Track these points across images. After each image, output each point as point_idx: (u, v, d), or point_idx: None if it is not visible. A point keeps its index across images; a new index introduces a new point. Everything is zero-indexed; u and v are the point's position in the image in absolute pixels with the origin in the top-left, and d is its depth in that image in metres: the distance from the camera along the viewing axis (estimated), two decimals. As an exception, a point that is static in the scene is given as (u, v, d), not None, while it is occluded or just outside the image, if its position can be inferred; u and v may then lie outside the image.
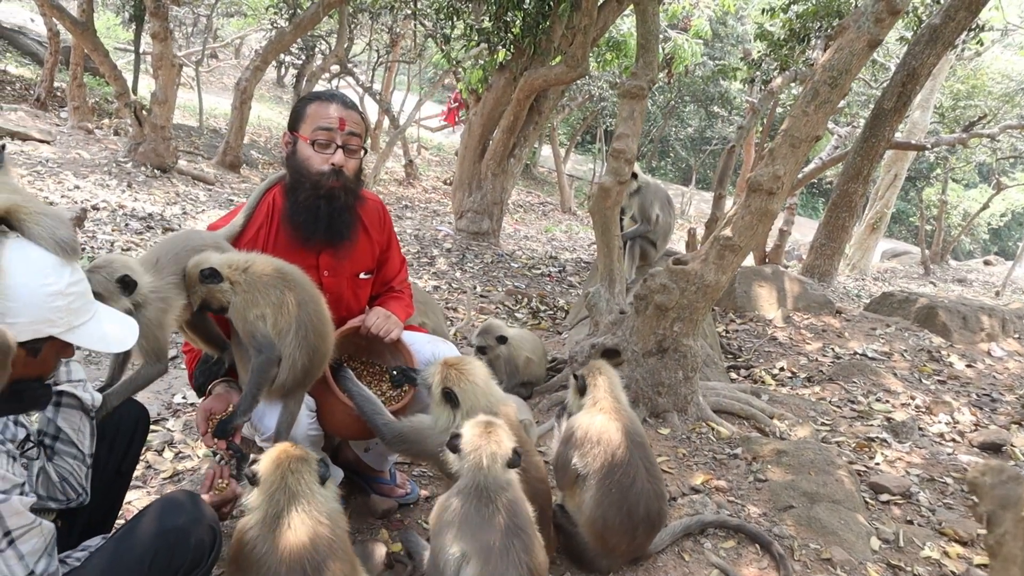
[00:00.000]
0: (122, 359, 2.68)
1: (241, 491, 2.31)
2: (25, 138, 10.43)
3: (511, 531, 2.20)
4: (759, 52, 10.64)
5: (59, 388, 2.18)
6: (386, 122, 18.79)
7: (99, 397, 2.28)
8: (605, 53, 12.69)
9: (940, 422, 4.90)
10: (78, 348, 1.99)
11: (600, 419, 2.88)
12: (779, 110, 15.10)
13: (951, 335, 6.50)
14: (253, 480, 2.13)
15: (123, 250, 6.66)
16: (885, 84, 9.86)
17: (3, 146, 1.98)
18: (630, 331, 4.31)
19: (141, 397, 4.09)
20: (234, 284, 2.51)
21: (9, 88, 14.27)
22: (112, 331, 2.02)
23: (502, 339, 4.56)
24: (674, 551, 3.11)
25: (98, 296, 2.32)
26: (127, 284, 2.37)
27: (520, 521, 2.24)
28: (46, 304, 1.80)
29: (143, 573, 1.87)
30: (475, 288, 8.01)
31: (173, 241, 2.72)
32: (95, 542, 2.13)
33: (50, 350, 1.90)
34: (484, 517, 2.21)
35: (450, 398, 2.58)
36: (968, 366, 5.93)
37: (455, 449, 2.33)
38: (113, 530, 2.34)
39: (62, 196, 8.02)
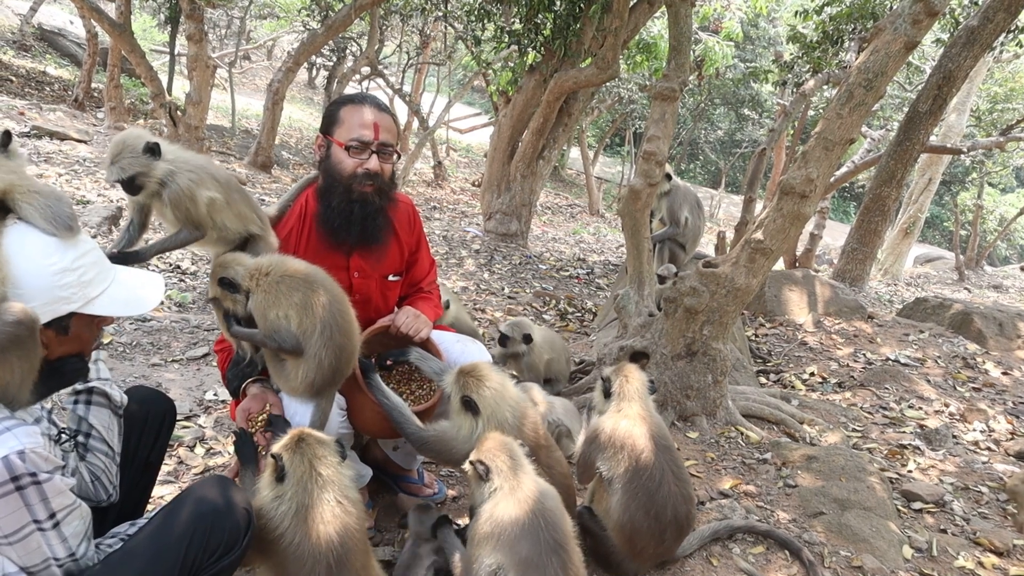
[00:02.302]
0: (137, 229, 2.58)
1: None
2: (63, 138, 10.63)
3: (550, 547, 2.17)
4: (791, 54, 10.54)
5: (90, 385, 2.21)
6: (416, 123, 18.87)
7: (125, 397, 2.31)
8: (635, 55, 12.65)
9: (975, 430, 4.81)
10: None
11: (625, 423, 2.86)
12: (811, 113, 14.94)
13: (986, 342, 6.38)
14: (280, 470, 2.12)
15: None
16: (920, 87, 9.70)
17: (7, 132, 1.93)
18: (659, 334, 4.29)
19: (172, 394, 4.18)
20: (252, 292, 2.52)
21: (48, 89, 14.57)
22: (135, 292, 2.02)
23: (528, 338, 4.57)
24: (702, 555, 3.09)
25: (137, 178, 2.34)
26: (153, 150, 2.37)
27: (560, 537, 2.22)
28: (55, 283, 1.80)
29: (180, 555, 1.90)
30: (503, 290, 8.02)
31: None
32: (123, 528, 2.17)
33: (80, 324, 1.91)
34: (524, 528, 2.19)
35: (470, 406, 2.60)
36: (1004, 373, 5.81)
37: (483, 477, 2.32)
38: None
39: (98, 195, 8.16)
